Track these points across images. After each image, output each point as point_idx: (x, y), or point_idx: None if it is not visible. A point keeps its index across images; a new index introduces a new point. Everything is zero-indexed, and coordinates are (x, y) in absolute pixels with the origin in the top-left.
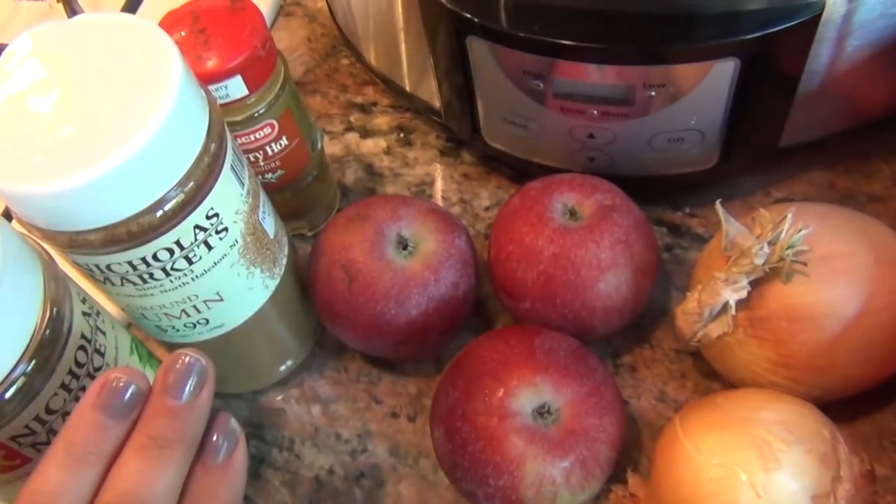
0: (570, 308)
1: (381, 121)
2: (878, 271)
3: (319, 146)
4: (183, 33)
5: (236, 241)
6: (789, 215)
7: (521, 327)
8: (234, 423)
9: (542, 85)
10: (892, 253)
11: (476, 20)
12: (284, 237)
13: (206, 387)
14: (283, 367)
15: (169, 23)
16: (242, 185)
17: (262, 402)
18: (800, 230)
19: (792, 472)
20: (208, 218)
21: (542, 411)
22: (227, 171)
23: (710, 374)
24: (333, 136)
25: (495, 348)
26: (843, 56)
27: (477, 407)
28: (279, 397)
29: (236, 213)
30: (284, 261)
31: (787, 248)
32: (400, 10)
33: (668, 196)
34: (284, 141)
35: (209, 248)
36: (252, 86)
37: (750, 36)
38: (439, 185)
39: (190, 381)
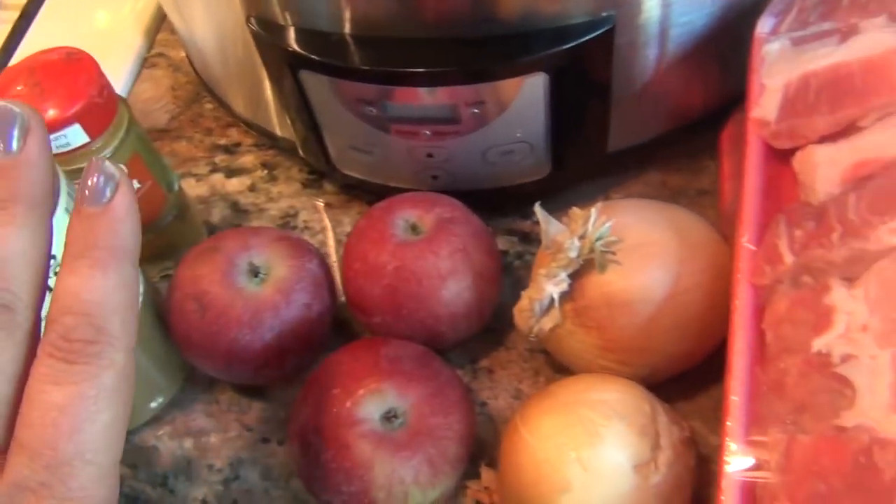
0: (416, 317)
1: (246, 160)
2: (684, 254)
3: (176, 187)
4: (19, 87)
5: None
6: (593, 210)
7: (368, 340)
8: (109, 164)
9: (375, 111)
10: (696, 237)
11: (304, 55)
12: (139, 276)
13: (32, 135)
14: (154, 405)
15: (6, 79)
16: None
17: (134, 441)
18: (605, 223)
19: (614, 445)
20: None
21: (389, 416)
22: (60, 215)
23: (560, 369)
24: (199, 178)
25: (343, 362)
26: (650, 64)
27: (326, 418)
28: (152, 435)
29: None
30: (139, 298)
31: (596, 240)
32: (248, 53)
33: (516, 206)
34: (135, 184)
35: (50, 290)
36: (93, 132)
37: (550, 52)
38: (303, 215)
39: (9, 131)
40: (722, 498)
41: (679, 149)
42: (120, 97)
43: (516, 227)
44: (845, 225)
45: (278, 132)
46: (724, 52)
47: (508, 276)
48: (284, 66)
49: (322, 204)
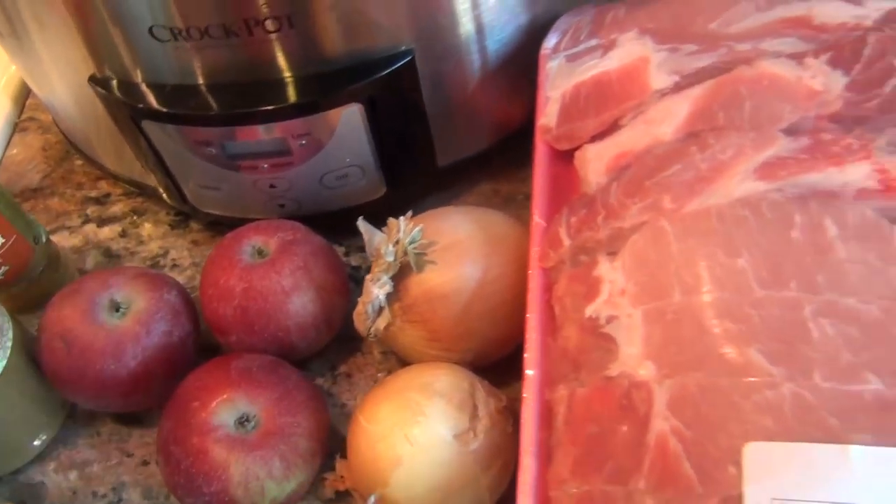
0: (267, 331)
1: (116, 208)
2: (490, 248)
3: (44, 239)
4: None
5: None
6: (402, 219)
7: (223, 356)
8: None
9: (215, 151)
10: (501, 232)
11: (142, 107)
12: (7, 323)
13: None
14: (37, 442)
15: None
16: None
17: (21, 479)
18: (414, 228)
19: (436, 419)
20: None
21: (242, 421)
22: None
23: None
24: (73, 230)
25: (199, 377)
26: (460, 86)
27: (185, 430)
28: (38, 471)
29: None
30: (9, 343)
31: (409, 243)
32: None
33: None
34: (0, 240)
35: None
36: None
37: (359, 84)
38: (172, 254)
39: None
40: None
41: (506, 159)
42: None
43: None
44: (607, 208)
45: (142, 180)
46: (527, 69)
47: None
48: (128, 119)
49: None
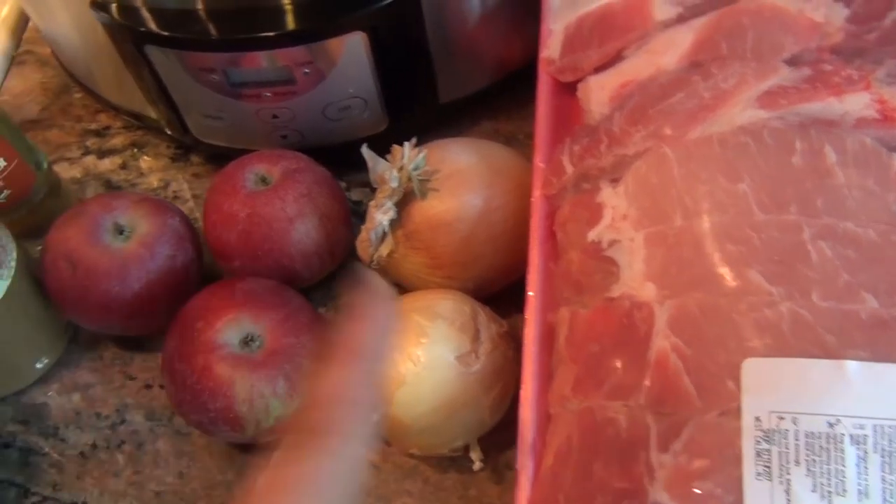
0: (270, 257)
1: (116, 141)
2: (493, 178)
3: (45, 165)
4: None
5: None
6: (407, 144)
7: (227, 279)
8: None
9: (219, 78)
10: (504, 163)
11: (146, 31)
12: (10, 244)
13: None
14: (39, 365)
15: None
16: None
17: (24, 400)
18: (418, 154)
19: (438, 341)
20: None
21: (247, 340)
22: None
23: None
24: (73, 161)
25: (204, 299)
26: (463, 19)
27: (191, 348)
28: (41, 393)
29: None
30: (13, 264)
31: (413, 169)
32: (105, 38)
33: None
34: (2, 162)
35: None
36: None
37: (363, 11)
38: (173, 186)
39: None
40: (524, 368)
41: (508, 98)
42: None
43: (369, 180)
44: (610, 136)
45: (143, 112)
46: (529, 4)
47: (364, 223)
48: (131, 45)
49: None
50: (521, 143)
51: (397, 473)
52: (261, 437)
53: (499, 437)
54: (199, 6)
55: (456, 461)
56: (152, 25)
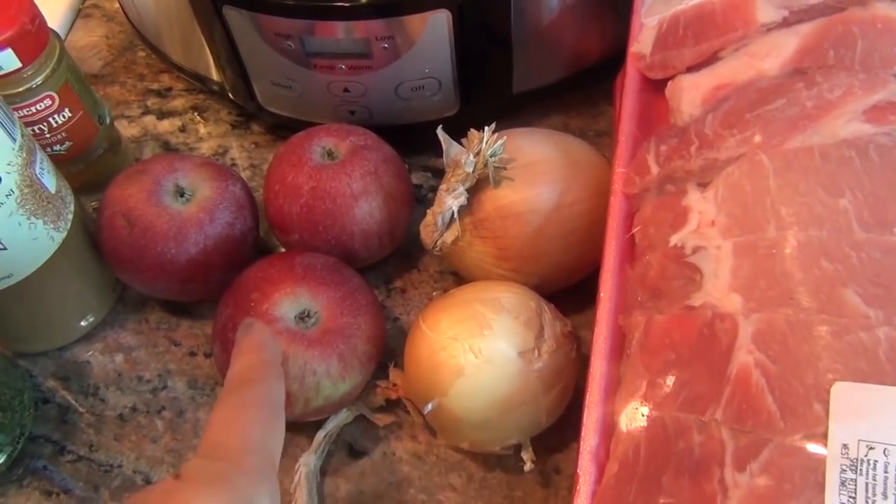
0: (331, 233)
1: (177, 103)
2: (570, 172)
3: (108, 121)
4: None
5: (12, 191)
6: (487, 129)
7: (285, 252)
8: None
9: (294, 45)
10: (582, 158)
11: None
12: (69, 196)
13: None
14: (84, 323)
15: None
16: (14, 140)
17: (66, 357)
18: (497, 140)
19: (502, 334)
20: None
21: (303, 316)
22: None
23: None
24: (132, 120)
25: (262, 269)
26: (547, 7)
27: (244, 317)
28: (84, 351)
29: (9, 164)
30: (70, 217)
31: (490, 156)
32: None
33: (429, 144)
34: (67, 113)
35: None
36: (25, 59)
37: None
38: (231, 154)
39: None
40: (592, 370)
41: (579, 94)
42: (52, 29)
43: (430, 164)
44: (701, 139)
45: (207, 74)
46: (616, 0)
47: (423, 207)
48: (209, 4)
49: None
50: (591, 140)
51: (442, 466)
52: (307, 417)
53: (550, 439)
54: None
55: (503, 459)
56: None
